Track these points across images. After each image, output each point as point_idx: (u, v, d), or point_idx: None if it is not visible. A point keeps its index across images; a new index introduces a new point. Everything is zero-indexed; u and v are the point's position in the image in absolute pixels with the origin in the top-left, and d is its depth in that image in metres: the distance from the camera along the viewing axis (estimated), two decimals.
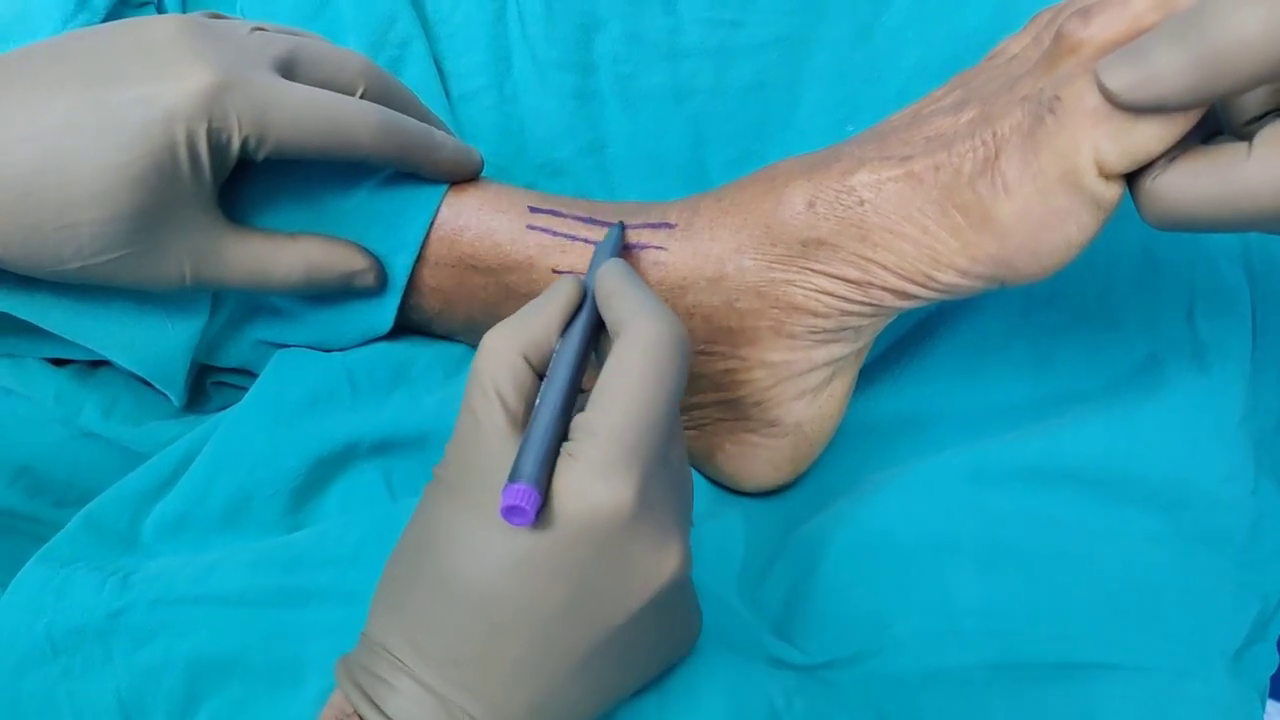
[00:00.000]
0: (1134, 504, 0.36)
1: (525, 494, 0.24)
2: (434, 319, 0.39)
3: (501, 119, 0.43)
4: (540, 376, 0.28)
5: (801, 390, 0.36)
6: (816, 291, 0.33)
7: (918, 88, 0.36)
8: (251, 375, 0.40)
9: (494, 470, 0.26)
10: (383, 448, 0.37)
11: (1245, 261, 0.39)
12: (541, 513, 0.25)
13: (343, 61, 0.35)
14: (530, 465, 0.25)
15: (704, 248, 0.35)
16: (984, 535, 0.36)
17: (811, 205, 0.33)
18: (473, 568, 0.26)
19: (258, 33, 0.33)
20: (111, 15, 0.37)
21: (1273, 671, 0.36)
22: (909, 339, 0.41)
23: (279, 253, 0.35)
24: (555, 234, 0.36)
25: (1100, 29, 0.28)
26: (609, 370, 0.27)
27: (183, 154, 0.31)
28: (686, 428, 0.39)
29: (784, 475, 0.39)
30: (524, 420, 0.27)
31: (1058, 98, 0.28)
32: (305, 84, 0.33)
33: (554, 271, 0.36)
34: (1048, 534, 0.36)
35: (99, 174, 0.30)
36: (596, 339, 0.30)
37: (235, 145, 0.31)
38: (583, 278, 0.31)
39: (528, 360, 0.28)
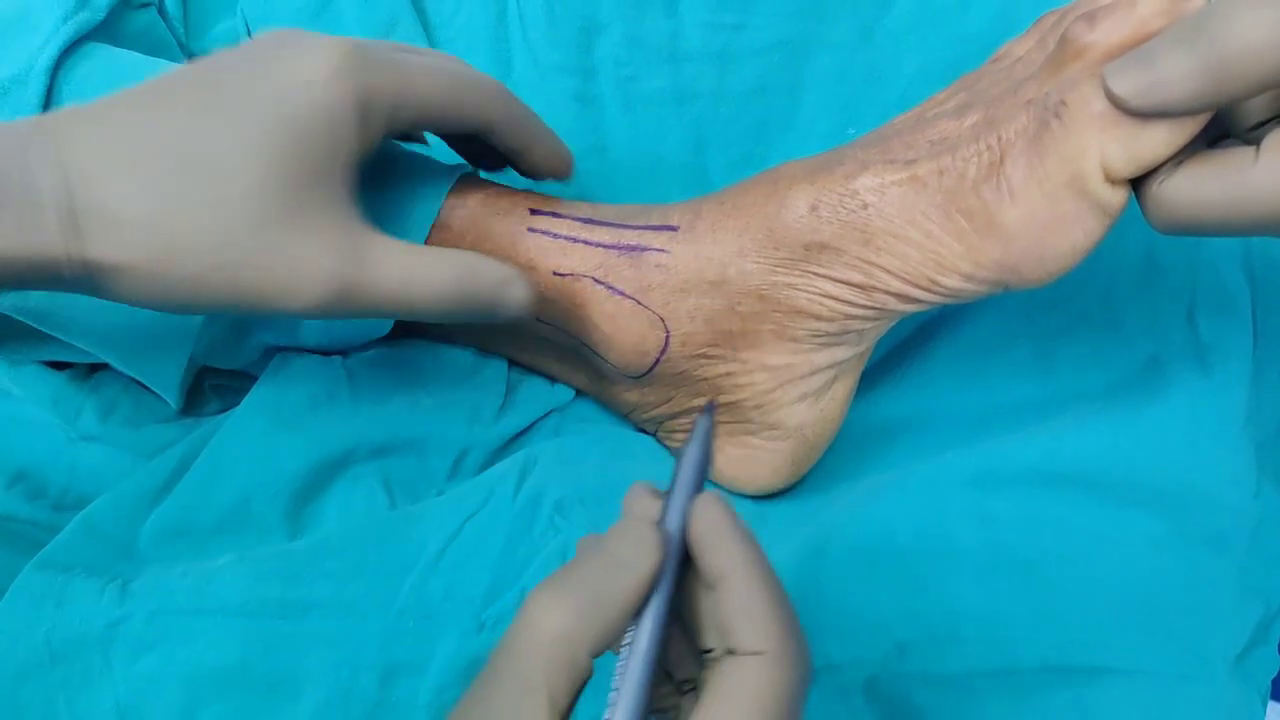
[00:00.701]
0: (1136, 507, 0.36)
1: None
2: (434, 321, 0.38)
3: None
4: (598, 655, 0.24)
5: (803, 393, 0.36)
6: (819, 295, 0.33)
7: (920, 91, 0.36)
8: (250, 378, 0.39)
9: None
10: (382, 451, 0.37)
11: (1246, 263, 0.39)
12: None
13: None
14: None
15: (706, 250, 0.34)
16: (985, 538, 0.36)
17: (814, 209, 0.32)
18: None
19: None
20: (113, 15, 0.37)
21: (1274, 674, 0.36)
22: (911, 341, 0.41)
23: (431, 262, 0.32)
24: (556, 236, 0.36)
25: (1106, 33, 0.28)
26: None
27: (327, 119, 0.30)
28: (686, 430, 0.39)
29: (784, 478, 0.39)
30: (568, 712, 0.23)
31: (1063, 102, 0.28)
32: None
33: (554, 275, 0.36)
34: (1049, 537, 0.36)
35: (246, 140, 0.29)
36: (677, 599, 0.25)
37: (380, 106, 0.31)
38: (664, 542, 0.25)
39: (592, 656, 0.23)
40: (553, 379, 0.42)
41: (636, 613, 0.24)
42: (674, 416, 0.39)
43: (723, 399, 0.37)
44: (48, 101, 0.35)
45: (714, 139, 0.43)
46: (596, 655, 0.24)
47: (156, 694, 0.32)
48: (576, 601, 0.23)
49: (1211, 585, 0.35)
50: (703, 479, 0.27)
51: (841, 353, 0.35)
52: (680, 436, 0.40)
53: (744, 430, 0.37)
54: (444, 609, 0.33)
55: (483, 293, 0.32)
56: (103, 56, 0.36)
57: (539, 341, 0.39)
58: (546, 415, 0.41)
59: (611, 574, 0.24)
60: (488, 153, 0.37)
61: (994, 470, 0.37)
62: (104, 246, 0.28)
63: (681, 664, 0.27)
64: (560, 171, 0.37)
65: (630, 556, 0.24)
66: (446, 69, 0.33)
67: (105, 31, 0.37)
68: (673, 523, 0.25)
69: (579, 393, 0.42)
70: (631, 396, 0.39)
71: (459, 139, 0.37)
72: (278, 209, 0.29)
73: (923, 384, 0.41)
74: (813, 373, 0.35)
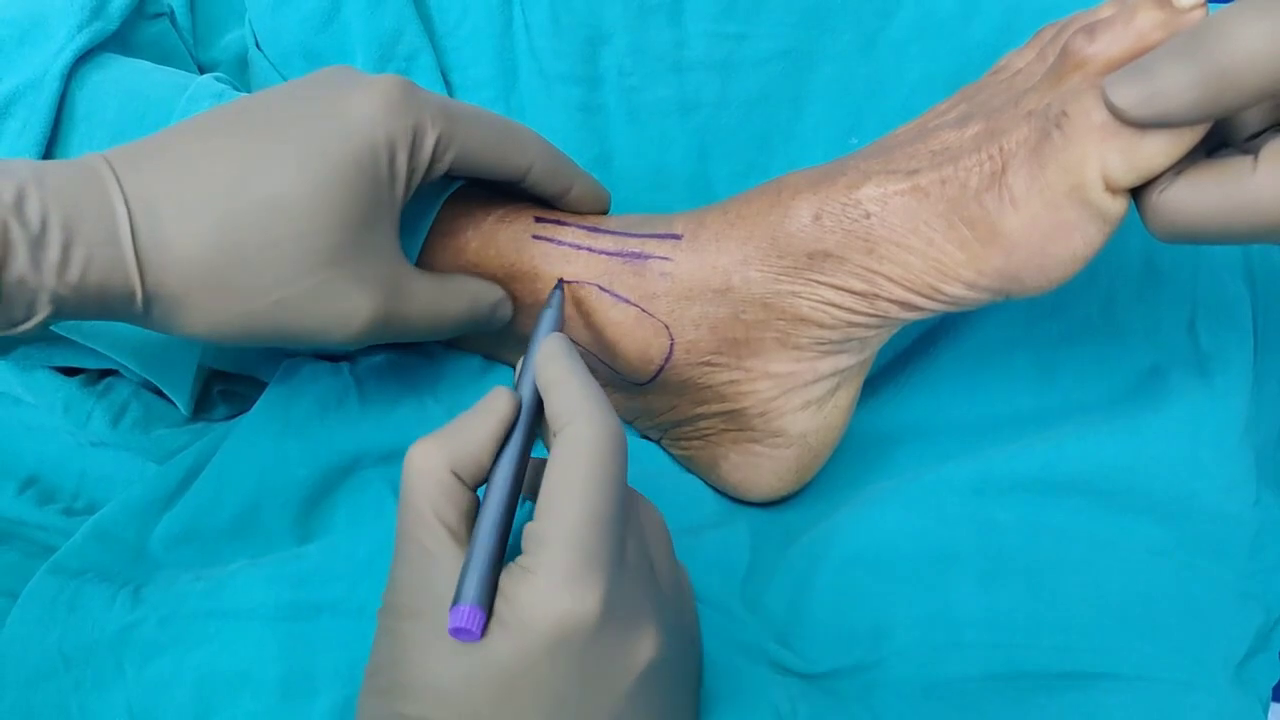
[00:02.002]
0: (1136, 515, 0.36)
1: (470, 615, 0.25)
2: None
3: None
4: (474, 489, 0.29)
5: (806, 401, 0.36)
6: (822, 303, 0.33)
7: (921, 101, 0.36)
8: (258, 384, 0.40)
9: (450, 595, 0.26)
10: (390, 457, 0.37)
11: (1246, 271, 0.39)
12: (507, 629, 0.26)
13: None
14: (473, 586, 0.26)
15: (710, 259, 0.35)
16: (986, 545, 0.36)
17: (818, 218, 0.33)
18: (457, 698, 0.26)
19: None
20: (127, 25, 0.37)
21: (1275, 682, 0.36)
22: (913, 349, 0.41)
23: (448, 287, 0.35)
24: (560, 243, 0.36)
25: (1106, 46, 0.28)
26: (551, 478, 0.27)
27: (383, 157, 0.31)
28: (691, 438, 0.39)
29: (788, 485, 0.39)
30: (464, 533, 0.28)
31: (1065, 113, 0.28)
32: None
33: (562, 281, 0.36)
34: (1050, 544, 0.36)
35: (304, 181, 0.29)
36: (536, 433, 0.30)
37: (428, 146, 0.32)
38: (517, 393, 0.30)
39: (458, 476, 0.28)
40: None
41: (501, 448, 0.29)
42: (678, 424, 0.39)
43: (726, 406, 0.37)
44: (60, 108, 0.35)
45: (717, 148, 0.43)
46: (469, 484, 0.28)
47: (169, 697, 0.32)
48: (442, 436, 0.28)
49: (1212, 592, 0.36)
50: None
51: (844, 360, 0.35)
52: (685, 444, 0.40)
53: (748, 438, 0.38)
54: None
55: (482, 314, 0.36)
56: (115, 65, 0.36)
57: None
58: None
59: (472, 417, 0.29)
60: (526, 199, 0.37)
61: (996, 478, 0.37)
62: (167, 280, 0.29)
63: None
64: (598, 210, 0.38)
65: (488, 405, 0.29)
66: (493, 116, 0.34)
67: (118, 40, 0.37)
68: (529, 366, 0.31)
69: None
70: (635, 403, 0.39)
71: (498, 186, 0.38)
72: (333, 249, 0.30)
73: (925, 392, 0.41)
74: (816, 380, 0.36)
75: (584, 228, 0.37)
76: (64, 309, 0.28)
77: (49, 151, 0.35)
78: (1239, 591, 0.36)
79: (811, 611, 0.36)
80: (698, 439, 0.39)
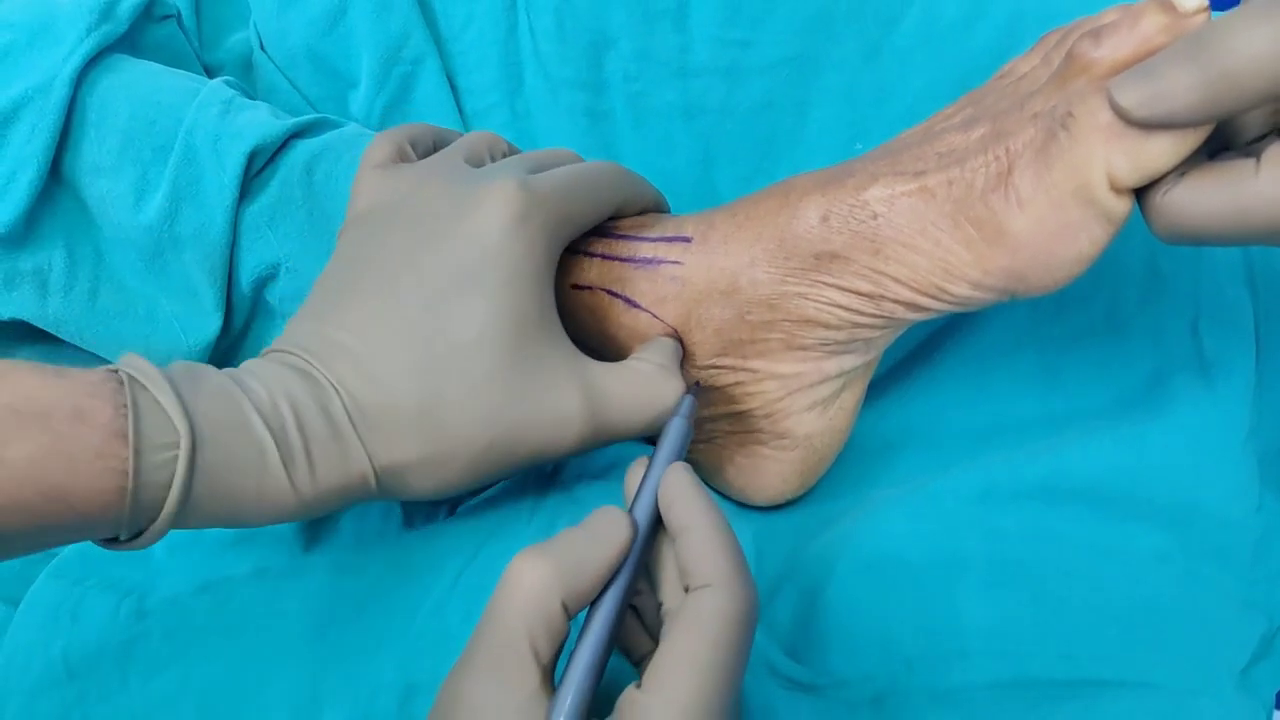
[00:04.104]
0: (1140, 521, 0.36)
1: None
2: None
3: (513, 136, 0.43)
4: (573, 617, 0.27)
5: (812, 402, 0.36)
6: (828, 304, 0.34)
7: (926, 107, 0.36)
8: None
9: None
10: None
11: (1248, 276, 0.39)
12: None
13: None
14: None
15: (719, 261, 0.35)
16: (991, 553, 0.36)
17: (825, 219, 0.33)
18: None
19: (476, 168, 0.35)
20: (135, 27, 0.37)
21: (1279, 688, 0.36)
22: (917, 354, 0.41)
23: (661, 378, 0.34)
24: (574, 251, 0.36)
25: (1111, 49, 0.28)
26: (675, 647, 0.25)
27: (531, 259, 0.32)
28: (697, 440, 0.39)
29: (793, 488, 0.39)
30: (552, 668, 0.26)
31: (1070, 114, 0.28)
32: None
33: (571, 287, 0.36)
34: (1055, 551, 0.36)
35: (473, 312, 0.31)
36: (644, 567, 0.29)
37: (560, 233, 0.33)
38: (632, 518, 0.28)
39: (565, 607, 0.26)
40: None
41: (609, 580, 0.27)
42: None
43: (732, 408, 0.37)
44: (71, 112, 0.35)
45: (722, 154, 0.43)
46: (571, 614, 0.26)
47: (173, 712, 0.32)
48: (556, 562, 0.26)
49: (1216, 599, 0.36)
50: (682, 452, 0.32)
51: (850, 361, 0.35)
52: (689, 447, 0.40)
53: (753, 440, 0.38)
54: (462, 633, 0.33)
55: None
56: (126, 69, 0.36)
57: None
58: None
59: (589, 544, 0.27)
60: None
61: (1000, 485, 0.37)
62: (389, 452, 0.30)
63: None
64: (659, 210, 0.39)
65: (605, 532, 0.28)
66: (583, 175, 0.35)
67: (126, 42, 0.37)
68: (649, 490, 0.30)
69: None
70: None
71: None
72: (524, 368, 0.31)
73: (929, 396, 0.41)
74: (821, 381, 0.36)
75: (596, 234, 0.37)
76: (307, 512, 0.29)
77: (60, 156, 0.35)
78: (1242, 598, 0.36)
79: (818, 622, 0.36)
80: (703, 441, 0.39)
